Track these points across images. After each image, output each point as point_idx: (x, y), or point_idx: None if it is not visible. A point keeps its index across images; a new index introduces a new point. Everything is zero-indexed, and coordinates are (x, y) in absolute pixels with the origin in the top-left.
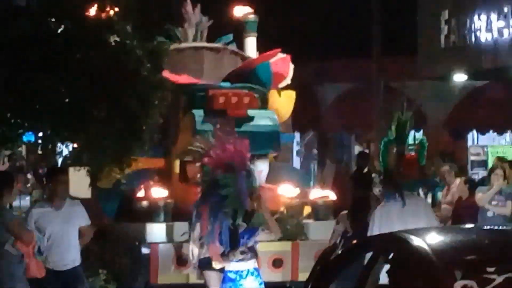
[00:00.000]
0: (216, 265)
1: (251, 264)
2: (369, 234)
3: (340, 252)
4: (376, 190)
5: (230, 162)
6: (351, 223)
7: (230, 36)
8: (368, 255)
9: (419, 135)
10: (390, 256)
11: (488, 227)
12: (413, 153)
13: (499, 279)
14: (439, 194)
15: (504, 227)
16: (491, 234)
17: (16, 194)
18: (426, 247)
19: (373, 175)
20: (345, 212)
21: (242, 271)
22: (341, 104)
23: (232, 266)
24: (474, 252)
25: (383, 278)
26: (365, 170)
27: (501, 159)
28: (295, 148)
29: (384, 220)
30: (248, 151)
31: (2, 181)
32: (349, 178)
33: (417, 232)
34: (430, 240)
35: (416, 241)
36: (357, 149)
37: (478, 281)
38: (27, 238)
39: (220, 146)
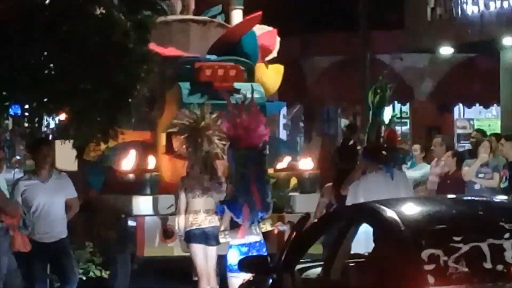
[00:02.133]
0: (225, 238)
1: (260, 236)
2: (349, 203)
3: (315, 221)
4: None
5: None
6: (335, 195)
7: (219, 8)
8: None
9: (406, 108)
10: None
11: (458, 197)
12: (393, 127)
13: (465, 248)
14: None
15: (473, 197)
16: (460, 204)
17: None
18: (396, 217)
19: (358, 147)
20: (329, 184)
21: (255, 243)
22: (327, 77)
23: (246, 239)
24: (442, 222)
25: (355, 248)
26: (351, 142)
27: (480, 132)
28: (282, 121)
29: (369, 192)
30: (264, 123)
31: None
32: (334, 150)
33: (388, 202)
34: (401, 210)
35: (386, 211)
36: (343, 122)
37: (445, 250)
38: (10, 211)
39: (241, 121)
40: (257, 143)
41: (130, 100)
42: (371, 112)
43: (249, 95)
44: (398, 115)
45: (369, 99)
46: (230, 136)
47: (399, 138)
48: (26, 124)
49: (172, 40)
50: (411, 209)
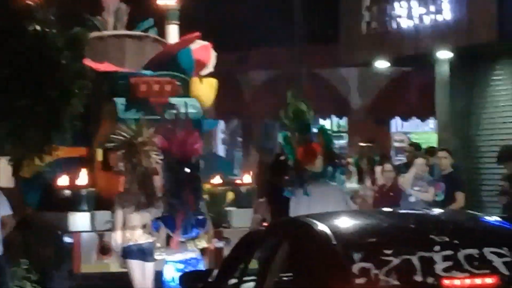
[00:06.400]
0: (161, 255)
1: (197, 252)
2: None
3: (250, 236)
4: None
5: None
6: (270, 211)
7: (151, 21)
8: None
9: (343, 122)
10: (292, 240)
11: (390, 210)
12: (312, 142)
13: (396, 261)
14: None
15: (405, 210)
16: (392, 218)
17: None
18: (327, 230)
19: (289, 162)
20: (262, 200)
21: (191, 259)
22: (264, 92)
23: (180, 255)
24: (373, 235)
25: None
26: (283, 157)
27: (414, 145)
28: (220, 136)
29: (298, 210)
30: (197, 137)
31: None
32: (266, 165)
33: (320, 216)
34: (332, 224)
35: (318, 225)
36: (281, 137)
37: (376, 263)
38: None
39: (175, 136)
40: (190, 156)
41: (64, 116)
42: (286, 133)
43: (182, 111)
44: (336, 129)
45: (289, 118)
46: (165, 149)
47: (329, 150)
48: None
49: (107, 55)
50: (343, 223)
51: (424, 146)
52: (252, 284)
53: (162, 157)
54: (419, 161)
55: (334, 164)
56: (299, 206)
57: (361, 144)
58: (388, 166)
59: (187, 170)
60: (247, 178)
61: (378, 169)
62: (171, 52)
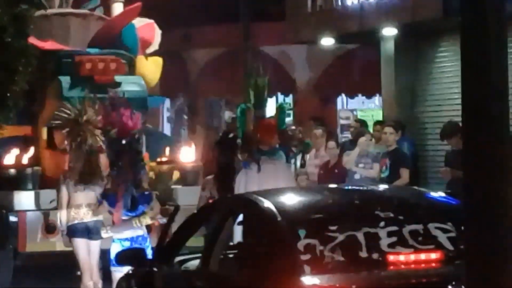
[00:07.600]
0: (107, 233)
1: (144, 230)
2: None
3: (193, 212)
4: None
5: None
6: (217, 189)
7: (97, 0)
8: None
9: (289, 99)
10: (241, 217)
11: (335, 187)
12: (271, 119)
13: (341, 237)
14: (307, 156)
15: (350, 187)
16: (337, 194)
17: None
18: (273, 207)
19: (238, 140)
20: (210, 177)
21: (137, 237)
22: (210, 69)
23: (127, 233)
24: (318, 211)
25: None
26: (231, 135)
27: (360, 121)
28: (166, 114)
29: (248, 186)
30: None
31: None
32: (214, 143)
33: (266, 193)
34: (278, 201)
35: (264, 202)
36: (227, 114)
37: (321, 240)
38: None
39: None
40: (129, 131)
41: (8, 94)
42: (246, 105)
43: (126, 88)
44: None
45: (250, 93)
46: (105, 125)
47: (282, 128)
48: None
49: (52, 34)
50: (288, 200)
51: (370, 123)
52: (197, 261)
53: (103, 134)
54: (362, 139)
55: (285, 143)
56: (248, 183)
57: (292, 127)
58: (331, 144)
59: (123, 141)
60: (193, 156)
61: (325, 147)
62: (114, 27)
